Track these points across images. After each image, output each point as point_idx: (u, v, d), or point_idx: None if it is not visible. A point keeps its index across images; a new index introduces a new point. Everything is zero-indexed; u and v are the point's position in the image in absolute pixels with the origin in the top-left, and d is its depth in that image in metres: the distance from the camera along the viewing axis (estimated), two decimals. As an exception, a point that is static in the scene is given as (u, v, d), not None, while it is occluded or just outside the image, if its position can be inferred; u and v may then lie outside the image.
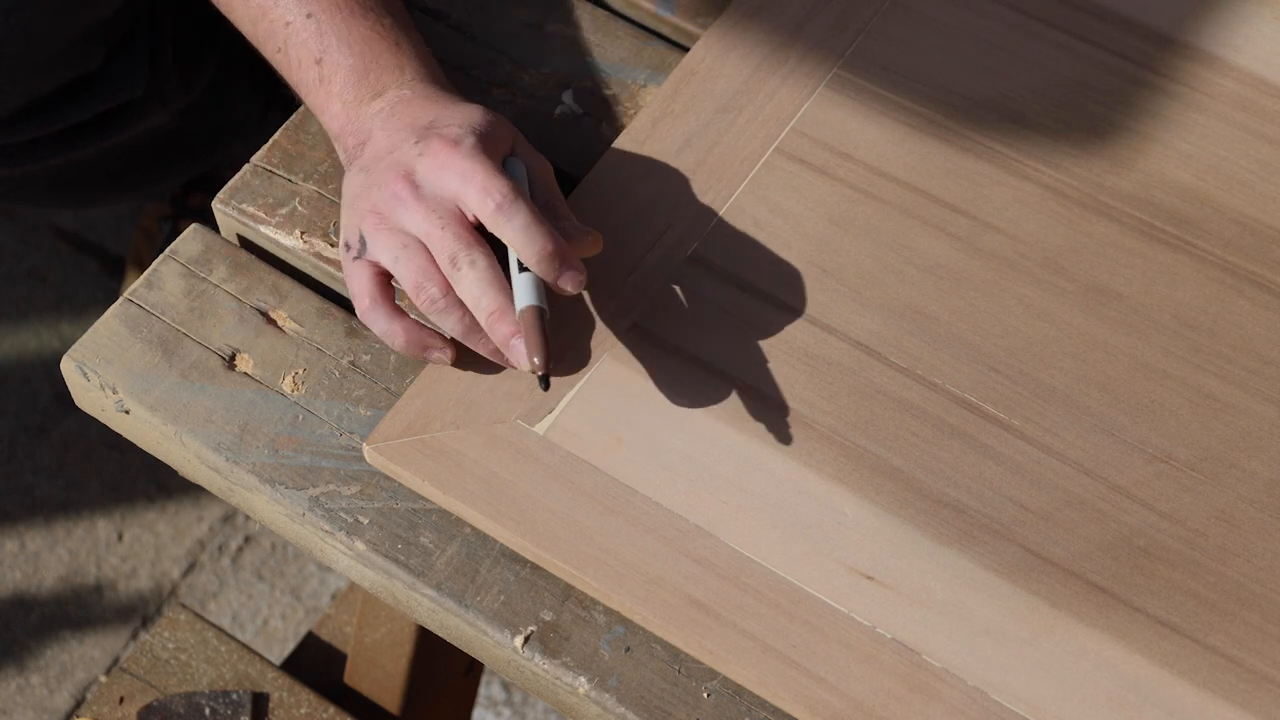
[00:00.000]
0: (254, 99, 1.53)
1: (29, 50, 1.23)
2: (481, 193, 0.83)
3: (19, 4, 1.20)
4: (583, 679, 0.80)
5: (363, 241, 0.86)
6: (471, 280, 0.83)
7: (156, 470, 1.67)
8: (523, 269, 0.84)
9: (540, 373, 0.81)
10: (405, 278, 0.84)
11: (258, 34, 0.93)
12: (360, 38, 0.90)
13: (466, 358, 0.86)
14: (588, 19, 1.01)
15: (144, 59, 1.34)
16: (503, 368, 0.86)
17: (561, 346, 0.86)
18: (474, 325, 0.84)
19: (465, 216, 0.84)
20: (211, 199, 0.95)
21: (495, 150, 0.86)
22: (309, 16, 0.91)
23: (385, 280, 0.86)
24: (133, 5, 1.31)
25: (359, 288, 0.86)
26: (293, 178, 0.94)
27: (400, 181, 0.84)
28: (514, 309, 0.83)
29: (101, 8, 1.27)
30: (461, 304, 0.84)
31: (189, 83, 1.41)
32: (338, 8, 0.91)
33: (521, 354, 0.82)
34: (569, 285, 0.84)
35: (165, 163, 1.49)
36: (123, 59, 1.33)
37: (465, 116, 0.86)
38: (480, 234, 0.85)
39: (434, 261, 0.84)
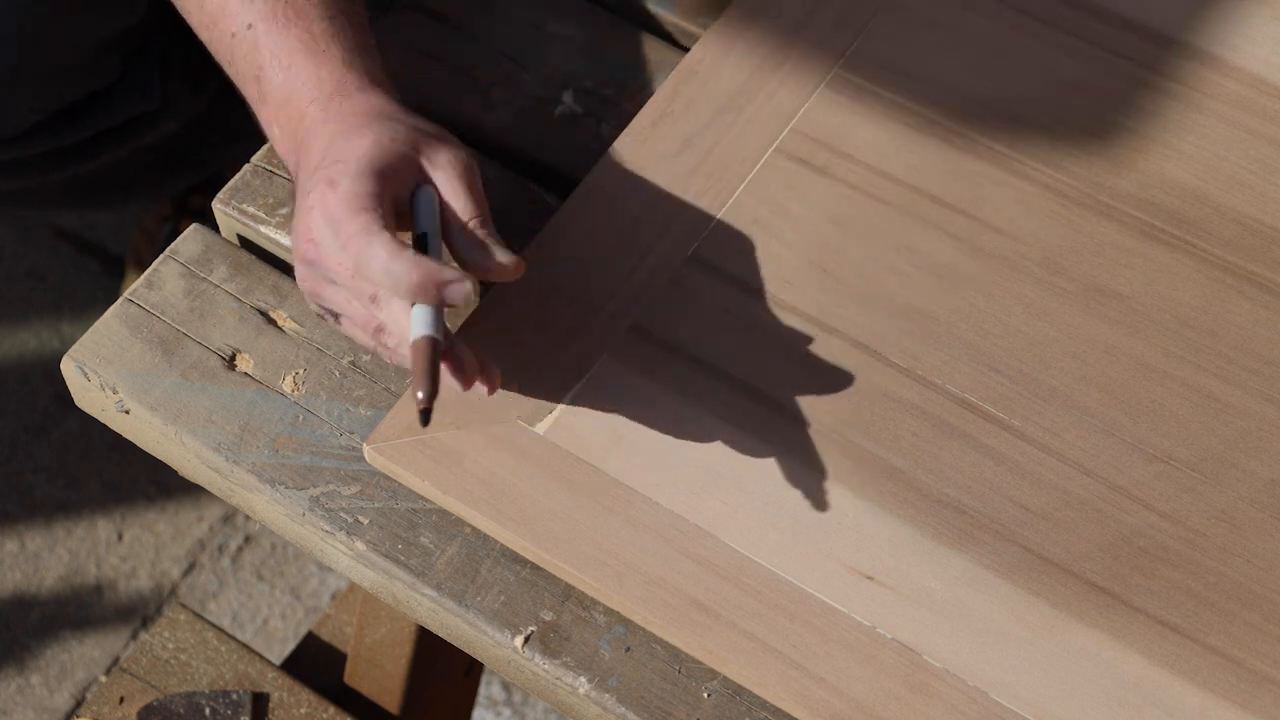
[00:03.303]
0: None
1: (49, 67, 1.23)
2: (341, 242, 0.79)
3: (40, 20, 1.20)
4: (583, 679, 0.80)
5: (324, 308, 0.84)
6: (395, 316, 0.80)
7: (156, 470, 1.67)
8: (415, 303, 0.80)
9: (421, 407, 0.77)
10: (363, 325, 0.82)
11: (210, 40, 0.89)
12: (288, 49, 0.85)
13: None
14: (588, 19, 1.01)
15: (157, 72, 1.35)
16: (505, 365, 0.86)
17: (561, 349, 0.87)
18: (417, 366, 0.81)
19: None
20: (212, 199, 0.95)
21: (388, 181, 0.81)
22: (249, 27, 0.86)
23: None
24: (147, 19, 1.31)
25: (366, 341, 0.84)
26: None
27: (305, 242, 0.81)
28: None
29: (117, 22, 1.27)
30: (406, 344, 0.81)
31: (197, 92, 1.41)
32: (273, 16, 0.86)
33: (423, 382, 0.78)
34: (456, 300, 0.79)
35: (174, 170, 1.50)
36: (138, 72, 1.33)
37: (352, 149, 0.81)
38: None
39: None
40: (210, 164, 1.52)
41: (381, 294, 0.80)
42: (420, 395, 0.77)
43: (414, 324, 0.79)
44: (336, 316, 0.84)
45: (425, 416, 0.77)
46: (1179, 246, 0.91)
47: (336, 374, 0.88)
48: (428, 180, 0.83)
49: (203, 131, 1.46)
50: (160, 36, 1.35)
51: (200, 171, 1.53)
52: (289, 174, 0.86)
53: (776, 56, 0.97)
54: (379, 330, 0.82)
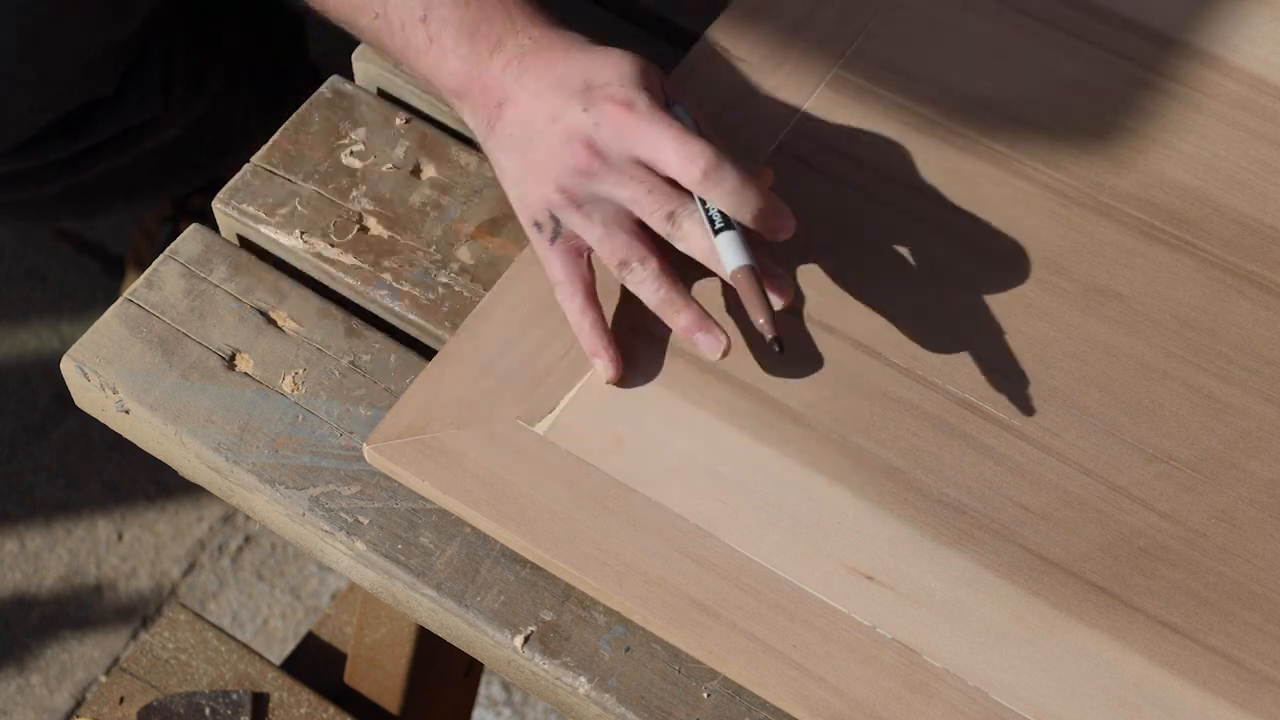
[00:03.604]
0: (259, 106, 1.53)
1: (49, 76, 1.23)
2: (683, 159, 0.81)
3: (39, 30, 1.20)
4: (583, 679, 0.80)
5: (555, 221, 0.85)
6: (701, 232, 0.83)
7: (156, 470, 1.67)
8: (721, 229, 0.82)
9: (772, 334, 0.80)
10: (608, 255, 0.84)
11: (352, 2, 0.88)
12: None
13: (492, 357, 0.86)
14: (588, 19, 1.01)
15: (158, 79, 1.35)
16: (507, 364, 0.86)
17: (561, 349, 0.86)
18: (667, 295, 0.84)
19: (659, 174, 0.83)
20: (211, 199, 0.95)
21: (659, 100, 0.84)
22: None
23: (585, 261, 0.86)
24: (147, 28, 1.31)
25: (562, 272, 0.85)
26: (293, 178, 0.94)
27: (584, 152, 0.83)
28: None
29: (117, 32, 1.27)
30: (661, 276, 0.84)
31: (198, 97, 1.41)
32: None
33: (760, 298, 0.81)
34: (787, 234, 0.83)
35: (175, 174, 1.50)
36: (138, 81, 1.33)
37: (617, 69, 0.84)
38: None
39: (637, 232, 0.84)
40: (210, 167, 1.52)
41: (680, 212, 0.82)
42: (762, 321, 0.80)
43: (729, 253, 0.81)
44: (557, 228, 0.85)
45: (780, 343, 0.80)
46: (1179, 246, 0.91)
47: (336, 374, 0.88)
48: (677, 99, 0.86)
49: (204, 135, 1.46)
50: (161, 40, 1.35)
51: (201, 174, 1.53)
52: (473, 108, 0.87)
53: (776, 56, 0.97)
54: (646, 257, 0.83)
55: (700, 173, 0.81)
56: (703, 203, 0.83)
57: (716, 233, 0.82)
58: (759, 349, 0.86)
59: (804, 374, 0.86)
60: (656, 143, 0.82)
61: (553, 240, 0.85)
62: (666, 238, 0.84)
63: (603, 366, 0.85)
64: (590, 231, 0.84)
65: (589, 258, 0.86)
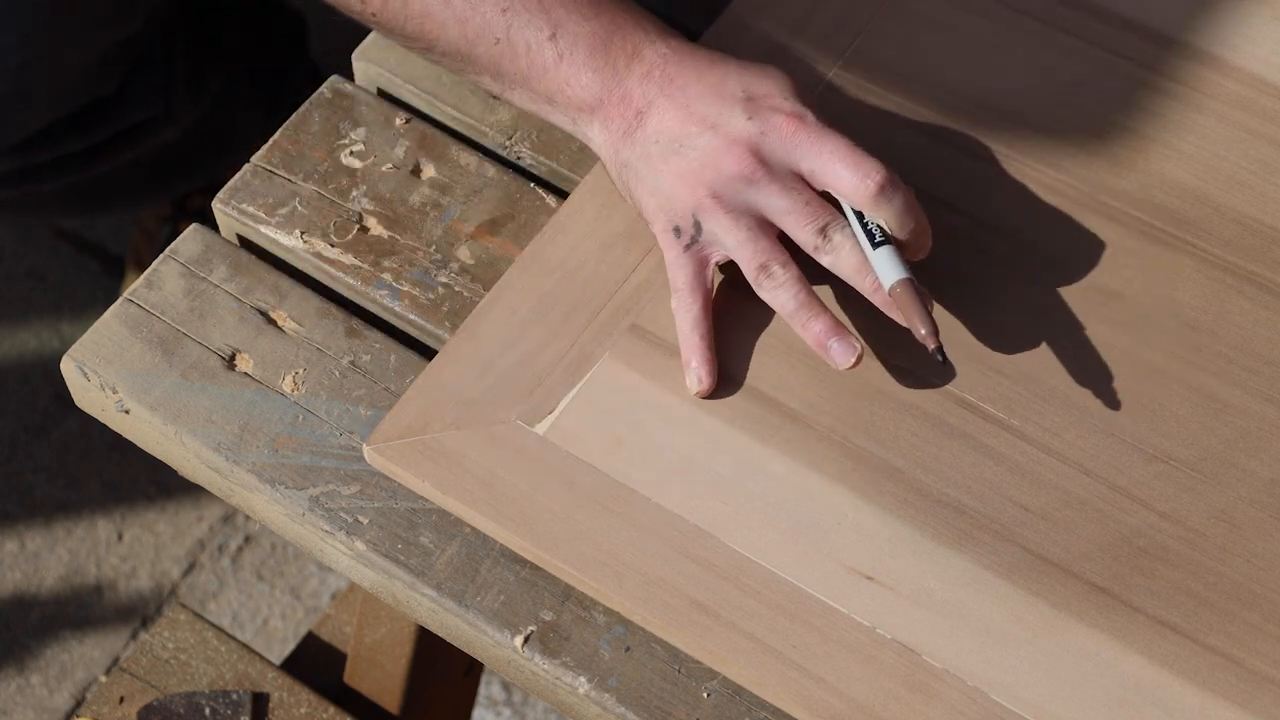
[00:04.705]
0: (259, 106, 1.53)
1: (52, 75, 1.24)
2: (859, 174, 0.82)
3: (43, 28, 1.21)
4: (583, 679, 0.80)
5: (697, 226, 0.84)
6: (851, 247, 0.83)
7: (156, 470, 1.67)
8: (880, 243, 0.83)
9: (934, 345, 0.81)
10: (750, 258, 0.84)
11: (467, 34, 0.86)
12: (587, 2, 0.86)
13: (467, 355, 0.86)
14: (588, 19, 1.01)
15: (159, 79, 1.35)
16: (507, 364, 0.86)
17: (561, 349, 0.87)
18: (805, 301, 0.83)
19: (814, 189, 0.84)
20: (211, 199, 0.95)
21: (822, 116, 0.84)
22: None
23: (709, 275, 0.85)
24: (149, 27, 1.31)
25: (686, 281, 0.85)
26: (293, 178, 0.94)
27: (748, 159, 0.83)
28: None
29: (120, 31, 1.27)
30: (800, 281, 0.83)
31: (198, 97, 1.41)
32: None
33: (919, 314, 0.81)
34: (926, 253, 0.85)
35: (175, 174, 1.50)
36: (139, 80, 1.34)
37: (776, 82, 0.84)
38: None
39: (777, 241, 0.84)
40: (210, 167, 1.52)
41: (832, 226, 0.83)
42: (924, 332, 0.81)
43: (890, 267, 0.82)
44: (696, 235, 0.84)
45: (943, 353, 0.82)
46: (1179, 246, 0.91)
47: (336, 374, 0.88)
48: None
49: (204, 136, 1.46)
50: (161, 43, 1.35)
51: (201, 174, 1.53)
52: (608, 119, 0.86)
53: (776, 57, 0.97)
54: (787, 262, 0.83)
55: (876, 188, 0.82)
56: (859, 217, 0.83)
57: (876, 246, 0.83)
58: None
59: (805, 374, 0.86)
60: (827, 156, 0.82)
61: (687, 247, 0.85)
62: (811, 251, 0.84)
63: (694, 379, 0.84)
64: (734, 235, 0.84)
65: (713, 272, 0.86)
